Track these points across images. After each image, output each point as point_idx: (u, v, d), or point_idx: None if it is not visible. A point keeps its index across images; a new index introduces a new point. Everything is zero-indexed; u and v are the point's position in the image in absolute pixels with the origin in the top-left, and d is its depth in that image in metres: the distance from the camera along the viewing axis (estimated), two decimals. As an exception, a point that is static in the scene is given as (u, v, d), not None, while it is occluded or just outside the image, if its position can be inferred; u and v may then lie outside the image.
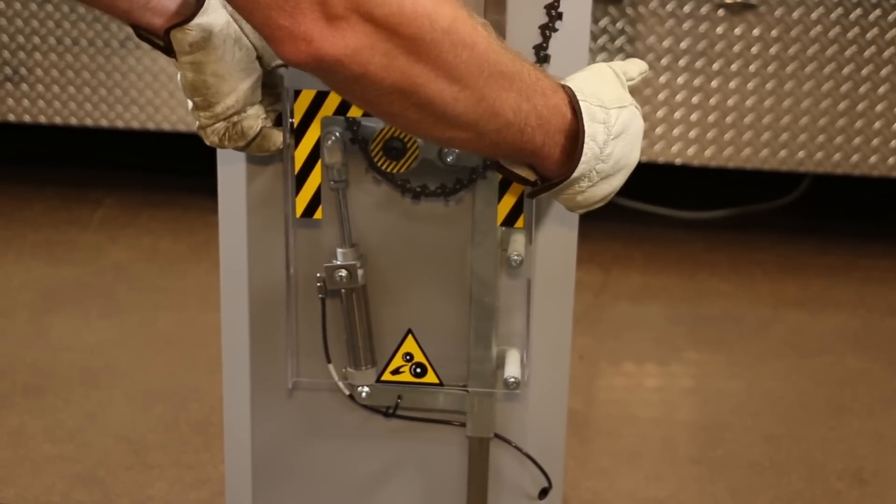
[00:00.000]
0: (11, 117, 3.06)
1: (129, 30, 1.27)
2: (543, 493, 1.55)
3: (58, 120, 3.05)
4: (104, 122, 3.04)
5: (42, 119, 3.06)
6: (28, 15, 2.98)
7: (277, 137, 1.36)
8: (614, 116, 1.20)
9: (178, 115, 3.00)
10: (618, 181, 1.24)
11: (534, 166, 1.22)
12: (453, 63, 1.07)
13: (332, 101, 1.39)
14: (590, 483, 2.25)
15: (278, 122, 1.38)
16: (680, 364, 2.64)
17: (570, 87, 1.19)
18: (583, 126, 1.17)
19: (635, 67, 1.30)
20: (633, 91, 1.28)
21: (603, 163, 1.20)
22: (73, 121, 3.05)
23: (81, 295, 2.84)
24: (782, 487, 2.24)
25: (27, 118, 3.06)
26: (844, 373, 2.60)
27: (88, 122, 3.05)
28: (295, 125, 1.40)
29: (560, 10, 1.36)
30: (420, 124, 1.12)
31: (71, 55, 3.00)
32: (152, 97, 3.00)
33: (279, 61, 1.33)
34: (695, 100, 2.85)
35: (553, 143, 1.18)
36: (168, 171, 3.38)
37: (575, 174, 1.19)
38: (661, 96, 2.84)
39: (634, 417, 2.44)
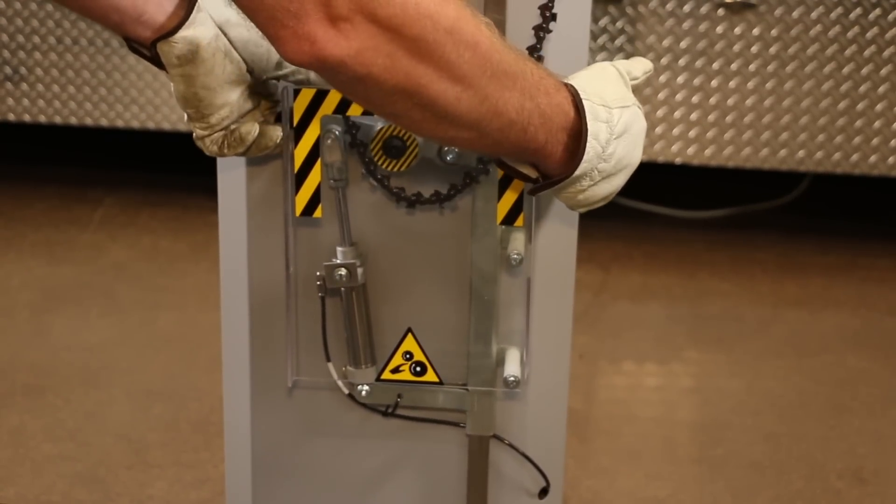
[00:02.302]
0: (11, 117, 3.06)
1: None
2: (543, 492, 1.55)
3: (58, 120, 3.05)
4: (104, 122, 3.04)
5: (42, 119, 3.06)
6: (28, 14, 2.98)
7: (275, 132, 1.36)
8: (617, 116, 1.20)
9: (178, 114, 3.00)
10: (619, 180, 1.23)
11: (536, 164, 1.22)
12: (456, 63, 1.07)
13: (332, 99, 1.39)
14: (590, 482, 2.25)
15: (278, 121, 1.38)
16: (680, 363, 2.64)
17: (573, 86, 1.19)
18: (586, 125, 1.17)
19: (640, 66, 1.30)
20: (636, 90, 1.28)
21: (605, 162, 1.20)
22: (73, 121, 3.05)
23: (81, 294, 2.84)
24: (782, 486, 2.24)
25: (27, 118, 3.06)
26: (844, 372, 2.60)
27: (88, 121, 3.05)
28: (294, 124, 1.40)
29: (554, 10, 1.36)
30: (423, 124, 1.12)
31: (71, 55, 3.00)
32: (152, 97, 3.00)
33: (272, 72, 1.33)
34: (695, 99, 2.85)
35: (555, 141, 1.18)
36: (168, 170, 3.37)
37: (577, 172, 1.19)
38: (661, 95, 2.84)
39: (634, 417, 2.44)
